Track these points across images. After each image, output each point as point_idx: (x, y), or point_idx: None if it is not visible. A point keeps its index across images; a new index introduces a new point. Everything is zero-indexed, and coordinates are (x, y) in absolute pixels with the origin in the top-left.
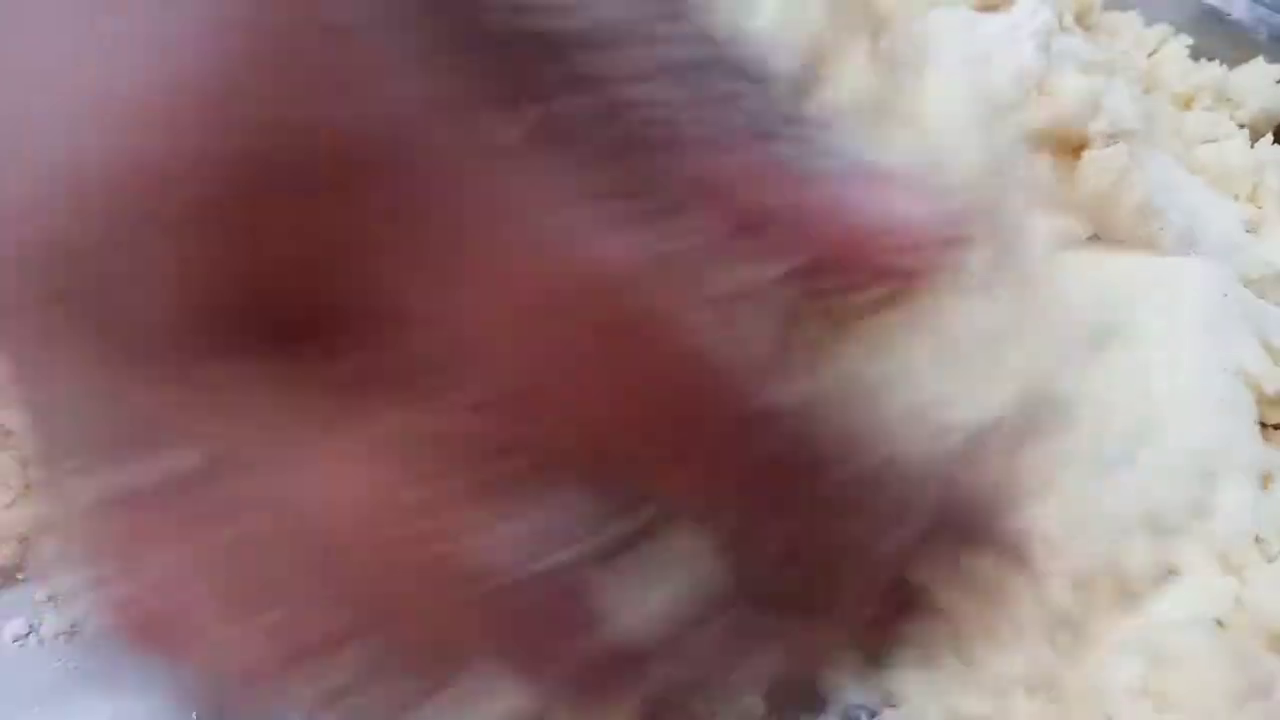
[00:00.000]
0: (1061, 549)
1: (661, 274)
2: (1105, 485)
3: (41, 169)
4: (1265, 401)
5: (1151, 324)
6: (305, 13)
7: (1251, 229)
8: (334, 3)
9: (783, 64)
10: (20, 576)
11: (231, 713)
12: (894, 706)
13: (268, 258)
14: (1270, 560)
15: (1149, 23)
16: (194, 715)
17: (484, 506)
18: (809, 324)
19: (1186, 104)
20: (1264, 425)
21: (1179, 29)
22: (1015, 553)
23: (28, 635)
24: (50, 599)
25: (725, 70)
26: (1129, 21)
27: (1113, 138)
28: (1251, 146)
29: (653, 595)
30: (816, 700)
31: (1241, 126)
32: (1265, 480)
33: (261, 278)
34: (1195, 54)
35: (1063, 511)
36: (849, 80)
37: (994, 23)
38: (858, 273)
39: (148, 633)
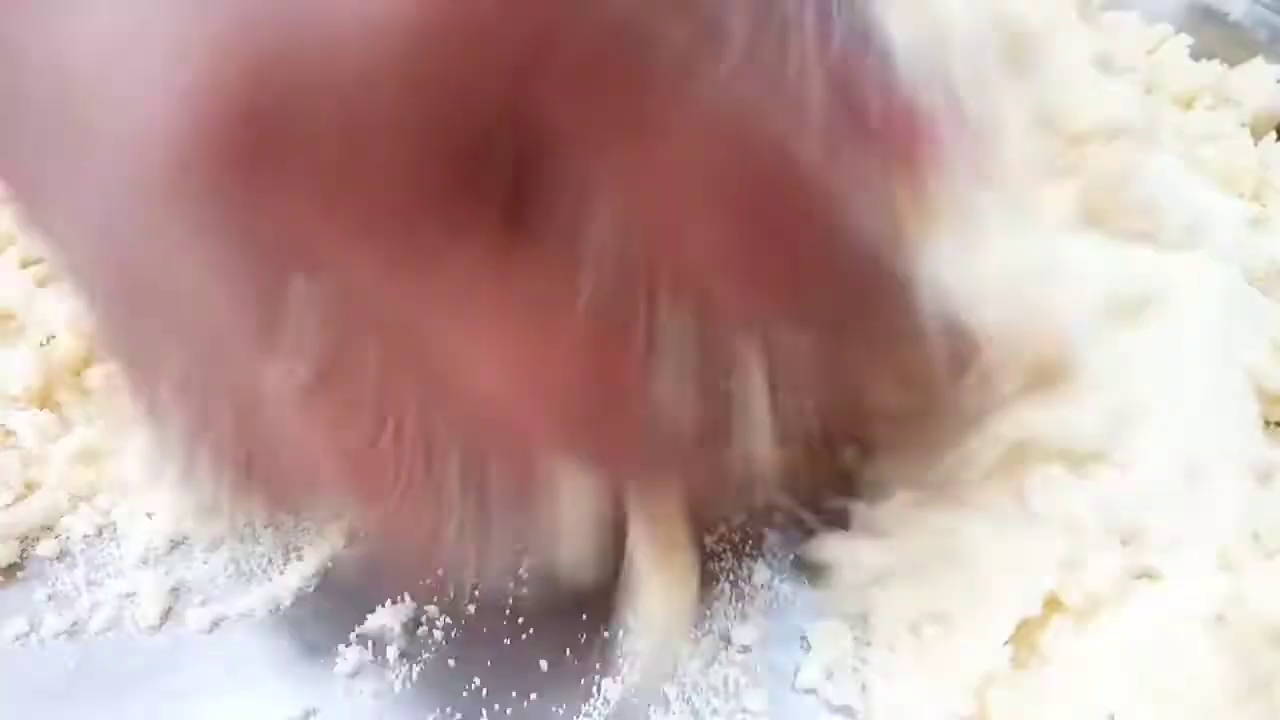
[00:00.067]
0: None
1: (821, 159)
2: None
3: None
4: (1268, 398)
5: (1152, 321)
6: None
7: (1255, 227)
8: None
9: None
10: (20, 576)
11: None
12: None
13: (475, 117)
14: (1270, 556)
15: (1149, 23)
16: None
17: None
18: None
19: (1187, 104)
20: (1266, 422)
21: (1179, 29)
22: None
23: (28, 634)
24: (50, 599)
25: None
26: (1129, 21)
27: (1114, 135)
28: (1254, 146)
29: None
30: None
31: (1242, 126)
32: (1265, 477)
33: (470, 135)
34: (1195, 54)
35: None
36: None
37: None
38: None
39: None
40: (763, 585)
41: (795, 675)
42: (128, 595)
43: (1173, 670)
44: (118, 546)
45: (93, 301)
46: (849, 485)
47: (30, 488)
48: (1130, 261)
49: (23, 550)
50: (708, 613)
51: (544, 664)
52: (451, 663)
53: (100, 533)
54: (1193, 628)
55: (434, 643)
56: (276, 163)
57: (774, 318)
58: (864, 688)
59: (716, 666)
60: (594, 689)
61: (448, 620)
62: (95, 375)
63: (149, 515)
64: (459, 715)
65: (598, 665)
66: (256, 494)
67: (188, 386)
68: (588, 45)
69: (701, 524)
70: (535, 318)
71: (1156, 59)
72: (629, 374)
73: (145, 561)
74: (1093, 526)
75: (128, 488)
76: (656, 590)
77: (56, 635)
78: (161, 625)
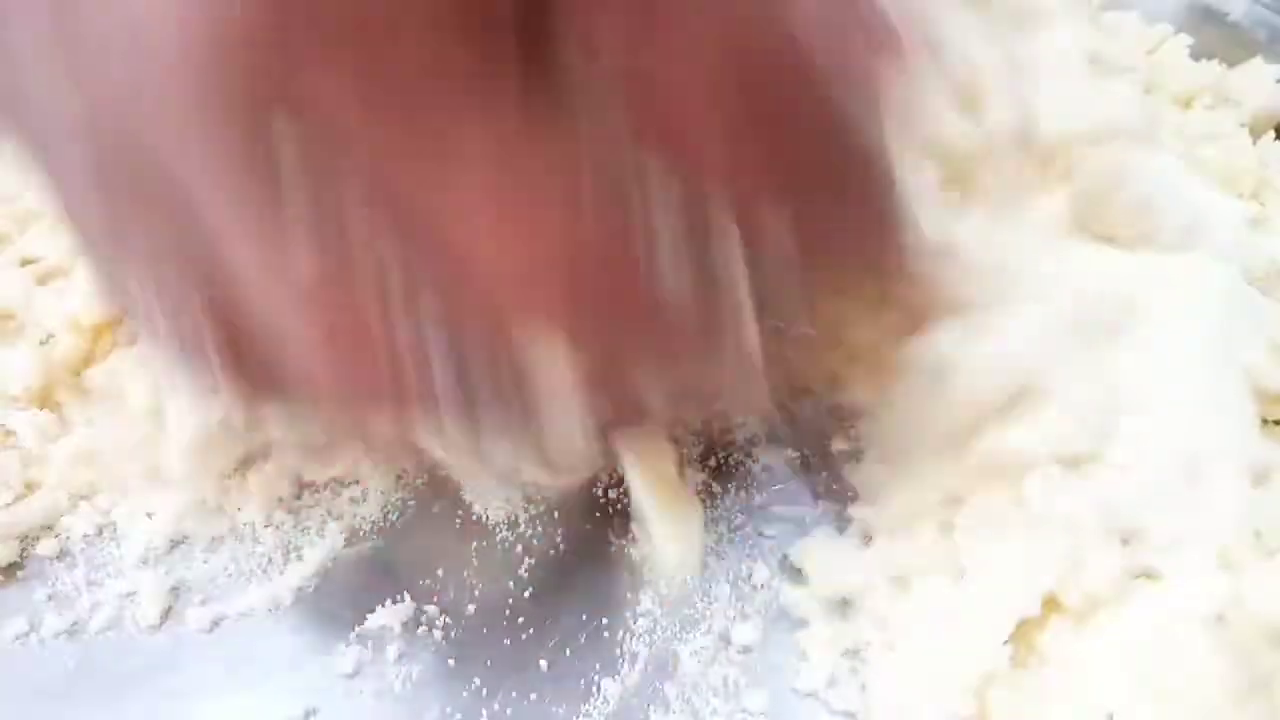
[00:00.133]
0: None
1: (815, 42)
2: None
3: None
4: (1267, 398)
5: (1151, 321)
6: None
7: (1254, 227)
8: None
9: None
10: (20, 576)
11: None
12: None
13: None
14: (1269, 556)
15: (1149, 23)
16: None
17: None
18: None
19: (1187, 104)
20: (1264, 422)
21: (1179, 29)
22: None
23: (28, 634)
24: (50, 598)
25: None
26: (1129, 21)
27: (1111, 136)
28: (1253, 145)
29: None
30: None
31: (1241, 126)
32: (1264, 477)
33: None
34: (1195, 54)
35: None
36: None
37: None
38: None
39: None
40: (762, 585)
41: (795, 676)
42: (128, 595)
43: (1173, 670)
44: (118, 546)
45: (68, 182)
46: (849, 487)
47: (30, 488)
48: (1119, 264)
49: (23, 550)
50: (708, 613)
51: (544, 664)
52: (451, 663)
53: (100, 533)
54: (1193, 628)
55: (434, 643)
56: (293, 30)
57: (763, 191)
58: (864, 688)
59: (716, 666)
60: (594, 689)
61: (448, 620)
62: (95, 375)
63: (149, 515)
64: (459, 715)
65: (598, 665)
66: (239, 383)
67: (159, 272)
68: None
69: (710, 428)
70: (535, 187)
71: (1156, 59)
72: (623, 247)
73: (145, 561)
74: (1093, 526)
75: (127, 487)
76: (666, 538)
77: (56, 635)
78: (161, 625)
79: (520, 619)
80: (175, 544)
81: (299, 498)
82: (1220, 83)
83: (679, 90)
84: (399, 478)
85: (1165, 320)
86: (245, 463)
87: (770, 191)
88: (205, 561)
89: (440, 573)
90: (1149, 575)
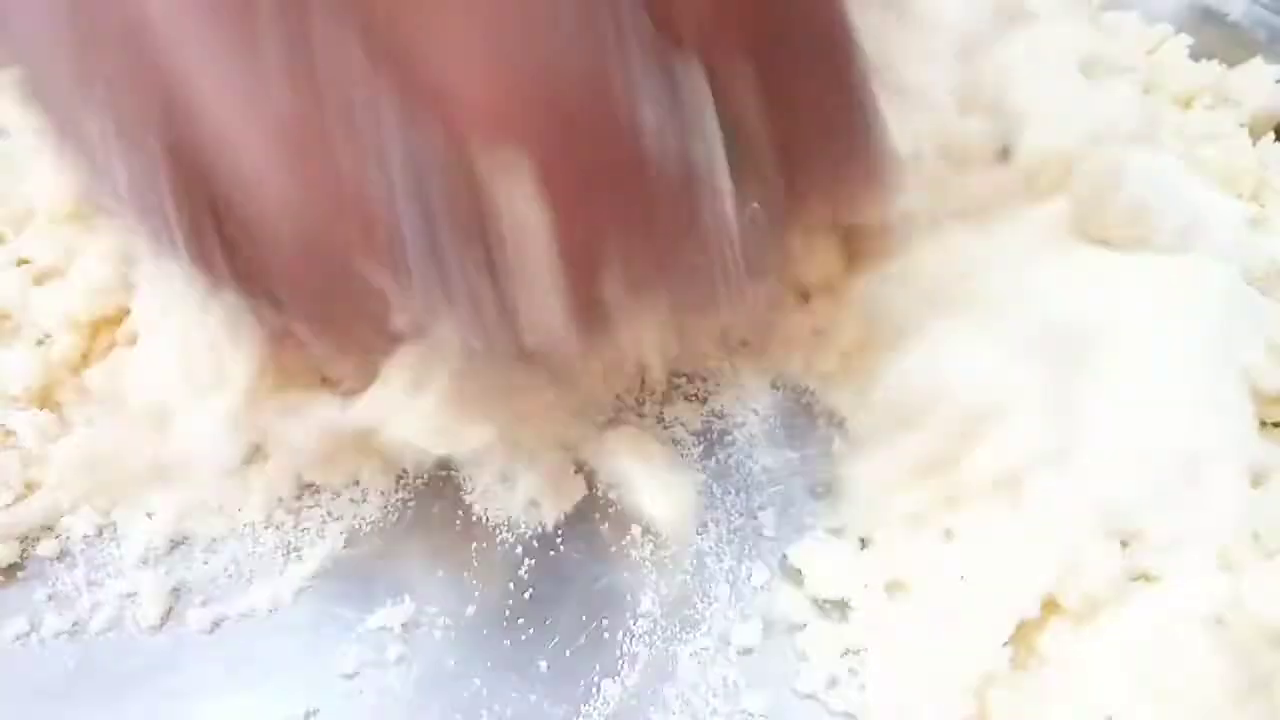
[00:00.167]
0: None
1: None
2: (1096, 483)
3: None
4: (1265, 399)
5: (1150, 323)
6: None
7: (1254, 227)
8: None
9: None
10: (20, 576)
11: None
12: None
13: None
14: (1269, 557)
15: (1149, 23)
16: None
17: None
18: None
19: (1186, 104)
20: (1264, 423)
21: (1179, 29)
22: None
23: (28, 634)
24: (50, 599)
25: None
26: (1129, 21)
27: (1109, 138)
28: (1253, 146)
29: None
30: None
31: (1241, 126)
32: (1263, 478)
33: None
34: (1195, 54)
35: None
36: None
37: None
38: None
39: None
40: (762, 586)
41: (795, 677)
42: (128, 595)
43: (1173, 670)
44: (118, 546)
45: (34, 35)
46: (850, 488)
47: (30, 488)
48: (1124, 270)
49: (23, 550)
50: (707, 614)
51: (544, 664)
52: (451, 663)
53: (100, 533)
54: (1192, 628)
55: (434, 643)
56: None
57: (736, 50)
58: (863, 689)
59: (716, 668)
60: (594, 690)
61: (448, 620)
62: (95, 375)
63: (149, 515)
64: (459, 715)
65: (597, 666)
66: (201, 250)
67: (120, 115)
68: None
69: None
70: (513, 18)
71: (1156, 59)
72: (598, 83)
73: (145, 561)
74: (1092, 527)
75: (127, 487)
76: (659, 499)
77: (57, 635)
78: (162, 625)
79: (520, 619)
80: (175, 544)
81: (299, 498)
82: (1220, 83)
83: None
84: (399, 478)
85: (1164, 321)
86: (246, 462)
87: (744, 52)
88: (205, 562)
89: (440, 573)
90: (1148, 576)
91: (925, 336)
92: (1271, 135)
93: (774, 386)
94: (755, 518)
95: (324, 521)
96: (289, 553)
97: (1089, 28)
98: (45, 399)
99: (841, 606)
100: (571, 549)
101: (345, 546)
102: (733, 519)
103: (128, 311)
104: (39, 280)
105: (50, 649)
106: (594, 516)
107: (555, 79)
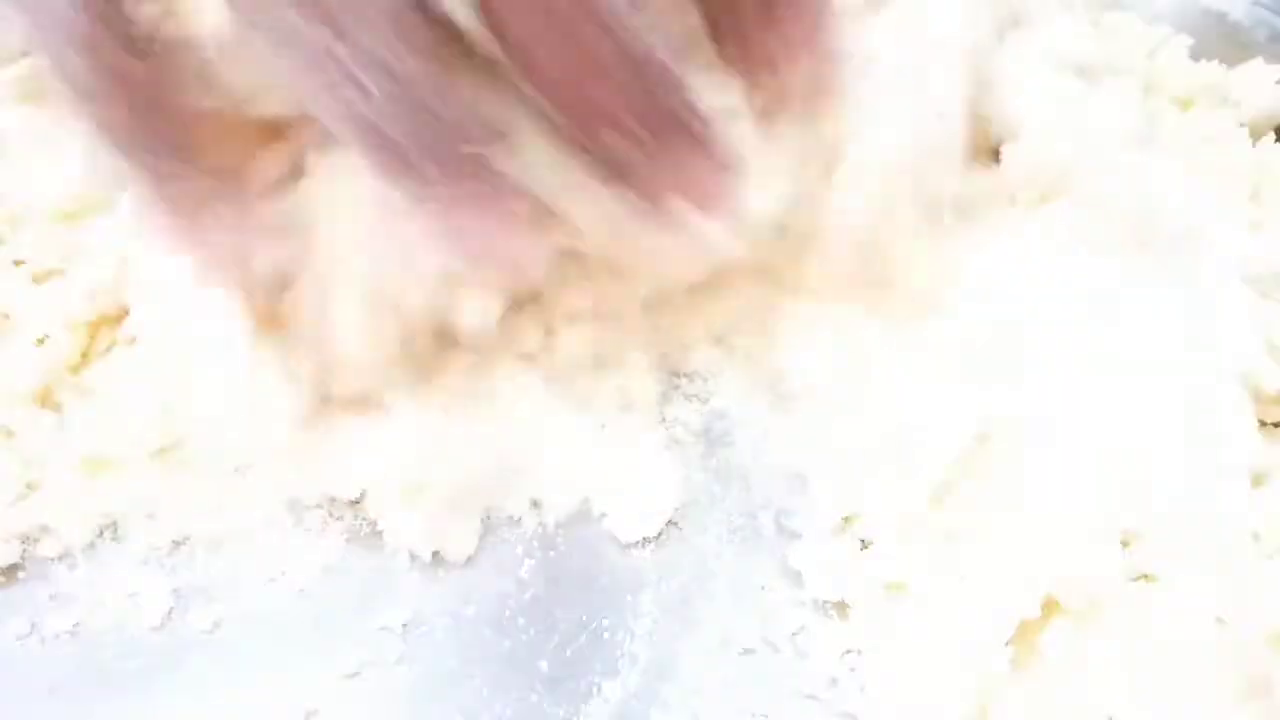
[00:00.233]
0: None
1: None
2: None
3: None
4: (1265, 399)
5: (1150, 324)
6: None
7: (1254, 228)
8: None
9: None
10: (21, 576)
11: None
12: None
13: None
14: (1268, 557)
15: (1149, 23)
16: None
17: None
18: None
19: (1186, 104)
20: (1263, 423)
21: (1179, 29)
22: None
23: (29, 634)
24: (52, 598)
25: None
26: (1129, 21)
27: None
28: (1253, 146)
29: None
30: None
31: (1241, 126)
32: (1263, 478)
33: None
34: (1195, 54)
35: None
36: None
37: None
38: None
39: None
40: (763, 586)
41: (795, 677)
42: (129, 595)
43: (1173, 670)
44: (119, 546)
45: None
46: (850, 488)
47: (30, 488)
48: (1123, 272)
49: (24, 550)
50: (708, 614)
51: (544, 664)
52: (451, 663)
53: (101, 533)
54: (1193, 628)
55: (434, 643)
56: None
57: None
58: (864, 689)
59: (716, 668)
60: (594, 690)
61: (448, 620)
62: (95, 375)
63: (150, 516)
64: (459, 715)
65: (598, 666)
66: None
67: None
68: None
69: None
70: None
71: (1156, 60)
72: None
73: (147, 561)
74: (1092, 527)
75: (128, 487)
76: (658, 499)
77: (58, 635)
78: (163, 625)
79: (520, 619)
80: (177, 545)
81: (300, 498)
82: (1220, 83)
83: None
84: None
85: (1164, 322)
86: (247, 463)
87: None
88: (206, 562)
89: (440, 573)
90: (1149, 576)
91: (925, 338)
92: (1271, 135)
93: (774, 386)
94: (755, 518)
95: (324, 522)
96: (289, 553)
97: (1088, 28)
98: (45, 399)
99: (842, 607)
100: (571, 549)
101: (345, 546)
102: (733, 519)
103: (128, 311)
104: (38, 280)
105: (51, 649)
106: (594, 516)
107: None
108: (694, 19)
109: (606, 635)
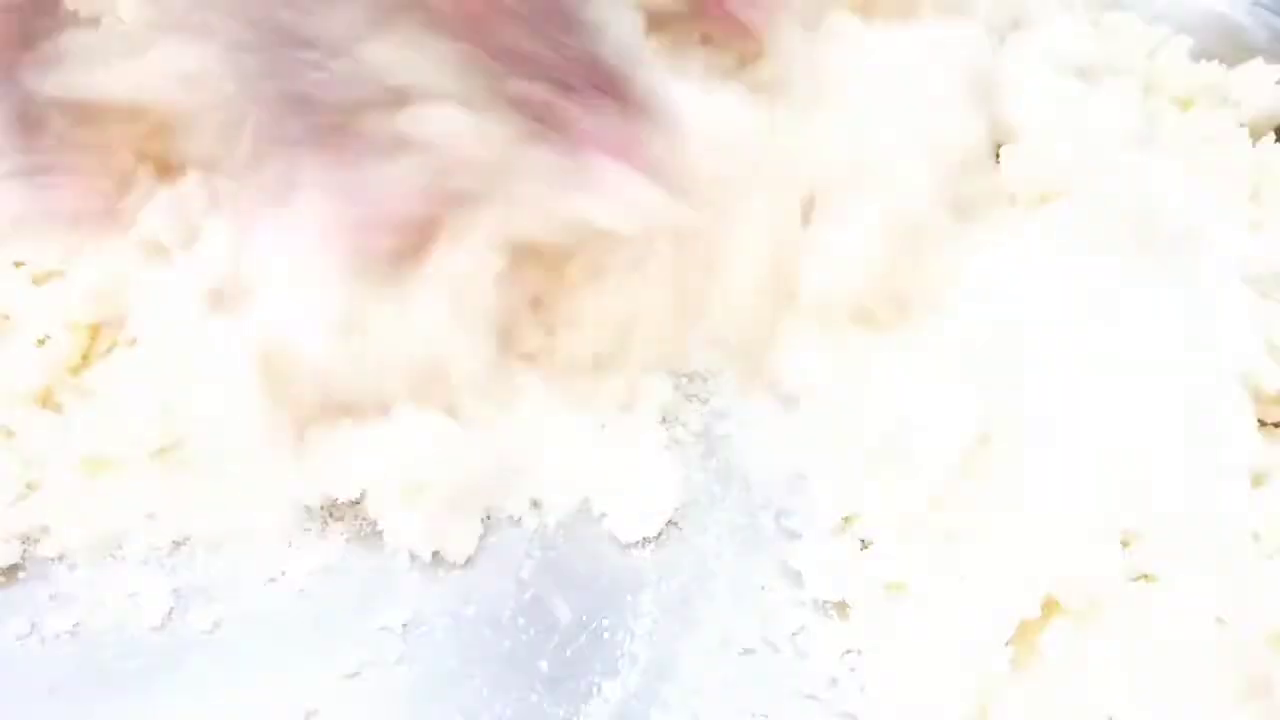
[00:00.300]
0: None
1: None
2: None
3: None
4: (1265, 399)
5: (1150, 323)
6: None
7: (1254, 228)
8: None
9: None
10: (21, 576)
11: None
12: None
13: None
14: (1268, 557)
15: (1149, 23)
16: None
17: None
18: None
19: (1186, 104)
20: (1263, 423)
21: (1179, 29)
22: None
23: (29, 634)
24: (52, 598)
25: None
26: (1129, 22)
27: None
28: (1253, 146)
29: None
30: None
31: (1241, 126)
32: (1263, 478)
33: None
34: (1195, 54)
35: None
36: None
37: None
38: None
39: None
40: (763, 587)
41: (795, 677)
42: (129, 595)
43: (1173, 670)
44: (119, 546)
45: None
46: (850, 489)
47: (30, 488)
48: (1122, 272)
49: (24, 550)
50: (708, 614)
51: (544, 664)
52: (451, 663)
53: (101, 533)
54: (1193, 628)
55: (434, 643)
56: None
57: None
58: (864, 689)
59: (716, 668)
60: (594, 690)
61: (448, 620)
62: (95, 375)
63: (150, 515)
64: (459, 715)
65: (598, 666)
66: None
67: None
68: None
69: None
70: None
71: (1156, 60)
72: None
73: (146, 561)
74: (1092, 527)
75: (129, 487)
76: (658, 500)
77: (58, 635)
78: (163, 625)
79: (520, 619)
80: (177, 545)
81: (300, 499)
82: (1220, 83)
83: None
84: None
85: (1164, 322)
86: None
87: None
88: (206, 562)
89: (440, 573)
90: (1149, 576)
91: (925, 338)
92: (1271, 136)
93: (774, 387)
94: (755, 518)
95: (325, 522)
96: (289, 553)
97: (1088, 29)
98: (45, 399)
99: (842, 607)
100: (571, 549)
101: (345, 546)
102: (733, 519)
103: (128, 312)
104: (39, 281)
105: (51, 649)
106: (594, 516)
107: None
108: None
109: (606, 635)
